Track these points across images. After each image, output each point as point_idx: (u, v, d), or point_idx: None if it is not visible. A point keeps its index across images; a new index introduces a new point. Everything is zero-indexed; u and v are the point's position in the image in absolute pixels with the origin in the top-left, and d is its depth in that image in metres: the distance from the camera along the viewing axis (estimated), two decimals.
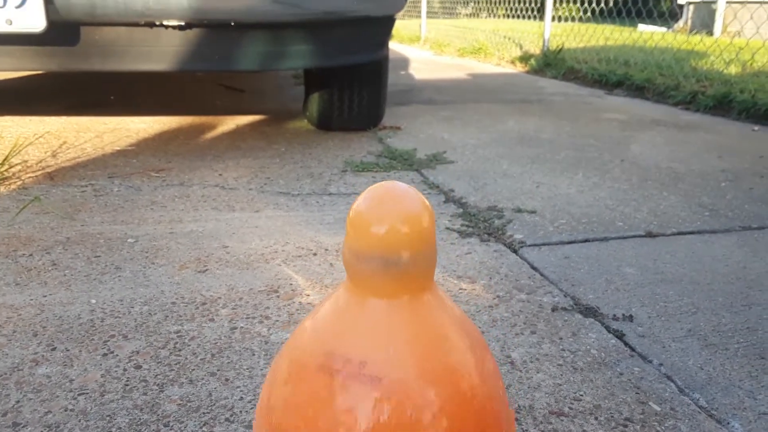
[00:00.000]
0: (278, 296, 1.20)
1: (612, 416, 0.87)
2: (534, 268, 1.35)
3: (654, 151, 2.41)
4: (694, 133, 2.76)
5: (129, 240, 1.45)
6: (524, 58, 5.38)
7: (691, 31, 6.98)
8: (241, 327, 1.08)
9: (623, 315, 1.15)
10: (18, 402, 0.87)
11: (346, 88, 2.55)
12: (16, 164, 1.99)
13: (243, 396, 0.90)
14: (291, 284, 1.25)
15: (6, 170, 1.90)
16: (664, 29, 7.03)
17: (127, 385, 0.92)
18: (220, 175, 1.99)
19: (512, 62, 5.58)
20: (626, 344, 1.06)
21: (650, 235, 1.54)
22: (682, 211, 1.71)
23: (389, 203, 0.37)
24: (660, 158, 2.29)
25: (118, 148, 2.28)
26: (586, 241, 1.51)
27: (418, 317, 0.36)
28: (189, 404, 0.88)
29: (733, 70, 3.81)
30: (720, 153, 2.38)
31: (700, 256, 1.42)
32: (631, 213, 1.70)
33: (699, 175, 2.06)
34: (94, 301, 1.17)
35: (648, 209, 1.73)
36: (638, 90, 3.84)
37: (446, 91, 3.94)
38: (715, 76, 3.64)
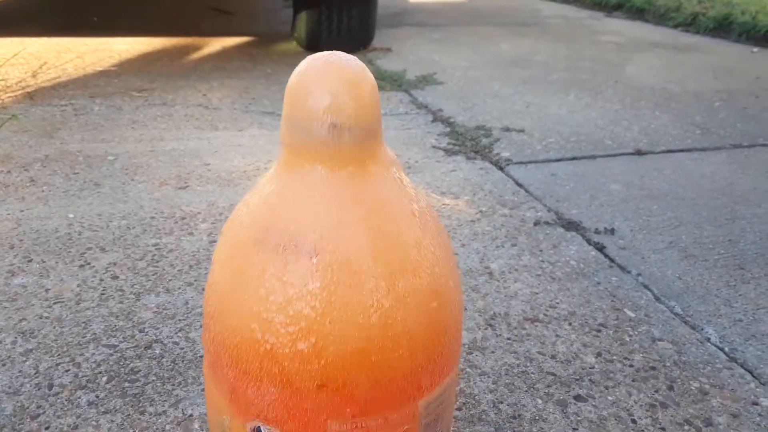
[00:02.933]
0: None
1: (586, 322, 0.87)
2: (519, 185, 1.34)
3: (649, 72, 2.36)
4: (692, 55, 2.69)
5: (109, 157, 1.43)
6: None
7: None
8: None
9: (605, 228, 1.14)
10: None
11: (335, 8, 2.47)
12: None
13: None
14: None
15: None
16: None
17: (103, 294, 0.92)
18: (204, 95, 1.94)
19: None
20: (606, 256, 1.05)
21: (639, 153, 1.52)
22: (673, 130, 1.69)
23: (328, 69, 0.35)
24: (655, 79, 2.24)
25: (100, 69, 2.22)
26: (573, 159, 1.49)
27: (360, 188, 0.35)
28: (165, 312, 0.88)
29: None
30: (716, 74, 2.33)
31: (687, 173, 1.41)
32: (621, 132, 1.67)
33: (693, 95, 2.02)
34: (72, 215, 1.15)
35: (639, 128, 1.70)
36: (638, 12, 3.73)
37: (440, 14, 3.83)
38: None
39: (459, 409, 0.71)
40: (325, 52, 0.36)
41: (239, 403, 0.34)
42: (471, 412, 0.70)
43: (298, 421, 0.33)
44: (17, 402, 0.71)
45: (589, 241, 1.10)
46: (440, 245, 0.37)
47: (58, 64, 2.25)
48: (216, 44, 2.71)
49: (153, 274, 0.97)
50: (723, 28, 3.10)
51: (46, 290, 0.92)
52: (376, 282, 0.33)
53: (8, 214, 1.15)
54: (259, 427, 0.34)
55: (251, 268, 0.34)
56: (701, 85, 2.16)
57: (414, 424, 0.35)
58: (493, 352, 0.81)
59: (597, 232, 1.13)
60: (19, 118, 1.64)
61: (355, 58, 0.38)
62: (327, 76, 0.35)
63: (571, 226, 1.15)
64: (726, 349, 0.82)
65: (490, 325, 0.86)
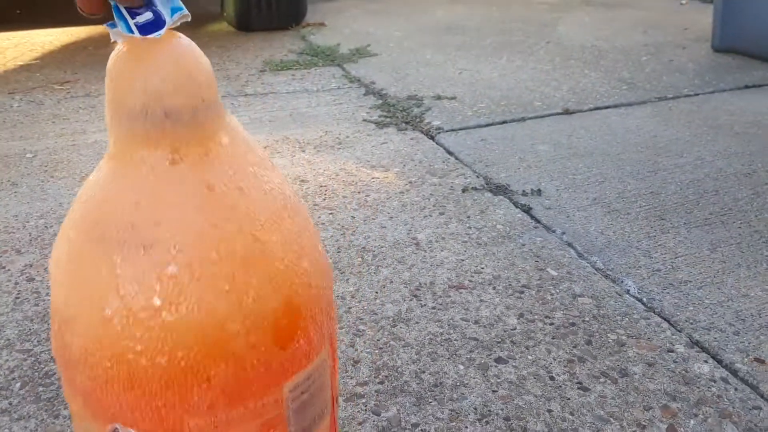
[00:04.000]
0: None
1: (510, 284, 0.88)
2: (449, 153, 1.34)
3: (580, 31, 2.38)
4: (622, 11, 2.72)
5: (27, 155, 1.38)
6: None
7: None
8: None
9: (532, 190, 1.15)
10: None
11: None
12: None
13: None
14: None
15: None
16: None
17: (18, 297, 0.89)
18: None
19: None
20: (532, 217, 1.06)
21: (567, 112, 1.53)
22: (601, 87, 1.70)
23: (152, 48, 0.33)
24: (585, 38, 2.26)
25: (21, 63, 2.13)
26: (503, 122, 1.49)
27: (201, 173, 0.33)
28: None
29: None
30: (645, 28, 2.35)
31: (613, 129, 1.42)
32: (550, 93, 1.68)
33: (621, 51, 2.05)
34: None
35: (568, 87, 1.72)
36: None
37: None
38: None
39: (381, 382, 0.71)
40: (146, 37, 0.34)
41: (94, 407, 0.33)
42: (393, 384, 0.70)
43: (152, 421, 0.32)
44: None
45: (516, 204, 1.10)
46: (295, 223, 0.36)
47: None
48: None
49: None
50: None
51: None
52: (222, 270, 0.32)
53: None
54: (117, 428, 0.33)
55: (89, 266, 0.33)
56: (630, 40, 2.19)
57: (280, 410, 0.34)
58: (417, 322, 0.81)
59: (524, 194, 1.14)
60: None
61: (183, 35, 0.36)
62: (151, 57, 0.33)
63: (498, 190, 1.16)
64: (644, 299, 0.84)
65: (415, 296, 0.86)
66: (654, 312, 0.81)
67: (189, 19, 0.33)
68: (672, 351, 0.74)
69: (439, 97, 1.67)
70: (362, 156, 1.34)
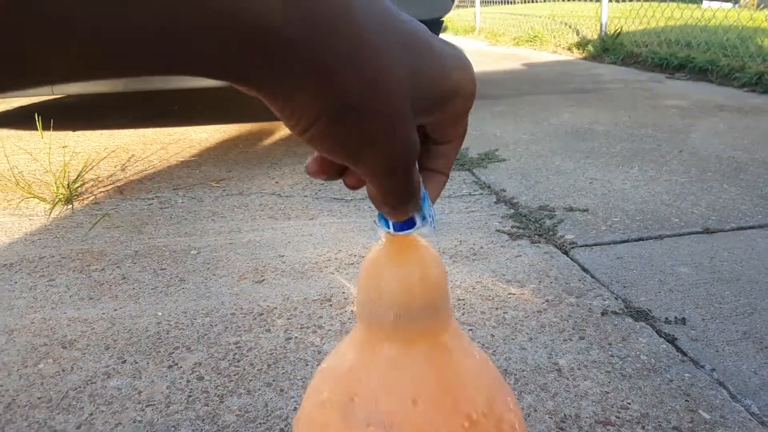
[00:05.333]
0: (331, 305, 1.24)
1: (660, 425, 0.87)
2: (585, 270, 1.35)
3: (715, 139, 2.34)
4: (760, 118, 2.65)
5: (192, 252, 1.53)
6: (581, 44, 5.27)
7: (758, 5, 6.65)
8: (296, 337, 1.13)
9: (675, 318, 1.14)
10: (91, 414, 0.94)
11: None
12: (89, 179, 2.11)
13: (297, 406, 0.94)
14: (343, 292, 1.29)
15: (80, 186, 2.02)
16: (729, 4, 6.72)
17: (190, 396, 0.98)
18: (277, 182, 2.05)
19: (569, 49, 5.47)
20: (678, 349, 1.05)
21: (708, 231, 1.51)
22: (742, 205, 1.66)
23: (400, 255, 0.39)
24: (721, 147, 2.22)
25: (182, 159, 2.38)
26: (639, 239, 1.49)
27: (429, 366, 0.39)
28: (247, 415, 0.93)
29: None
30: None
31: (760, 253, 1.38)
32: (688, 208, 1.66)
33: (762, 165, 1.99)
34: (160, 313, 1.24)
35: (706, 203, 1.69)
36: (701, 73, 3.70)
37: (500, 84, 3.91)
38: None
39: None
40: (398, 233, 0.41)
41: None
42: None
43: None
44: None
45: (659, 332, 1.09)
46: (510, 413, 0.40)
47: (144, 156, 2.43)
48: (286, 128, 2.85)
49: (235, 374, 1.03)
50: None
51: (139, 392, 0.99)
52: None
53: (103, 313, 1.24)
54: None
55: None
56: None
57: None
58: None
59: (667, 321, 1.13)
60: (111, 214, 1.78)
61: (422, 240, 0.43)
62: (396, 262, 0.40)
63: (640, 315, 1.15)
64: None
65: (561, 429, 0.87)
66: None
67: (429, 233, 0.40)
68: None
69: (571, 209, 1.70)
70: (497, 269, 1.38)
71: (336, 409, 0.39)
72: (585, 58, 5.05)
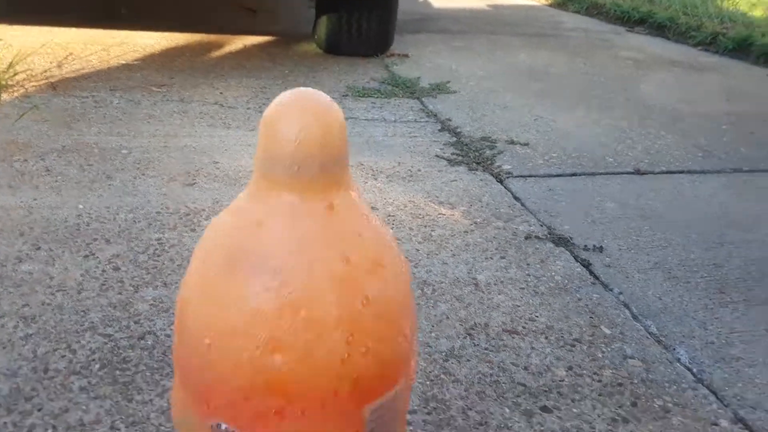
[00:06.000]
0: None
1: (562, 336, 0.90)
2: (516, 198, 1.37)
3: (663, 91, 2.37)
4: (708, 75, 2.70)
5: (123, 151, 1.48)
6: None
7: None
8: None
9: (594, 246, 1.17)
10: None
11: (356, 12, 2.52)
12: (21, 72, 2.01)
13: None
14: None
15: (10, 78, 1.92)
16: None
17: (104, 284, 0.97)
18: (221, 93, 2.00)
19: None
20: (591, 273, 1.08)
21: (638, 172, 1.54)
22: (676, 151, 1.70)
23: (300, 108, 0.38)
24: (667, 99, 2.26)
25: (123, 62, 2.28)
26: (573, 175, 1.52)
27: (326, 219, 0.38)
28: (161, 305, 0.93)
29: (758, 12, 3.68)
30: (729, 96, 2.33)
31: (684, 195, 1.43)
32: (624, 150, 1.70)
33: (702, 117, 2.03)
34: (81, 206, 1.21)
35: (642, 147, 1.72)
36: (660, 28, 3.73)
37: (462, 22, 3.85)
38: (738, 17, 3.52)
39: (429, 413, 0.75)
40: (299, 89, 0.40)
41: (201, 404, 0.38)
42: (440, 417, 0.74)
43: (253, 422, 0.36)
44: (14, 384, 0.76)
45: (576, 258, 1.12)
46: (397, 266, 0.40)
47: (84, 55, 2.32)
48: (238, 42, 2.76)
49: (153, 268, 1.02)
50: (742, 49, 3.09)
51: (51, 278, 0.97)
52: (335, 302, 0.37)
53: (21, 202, 1.20)
54: (220, 424, 0.38)
55: (223, 288, 0.38)
56: (712, 106, 2.17)
57: (361, 428, 0.39)
58: (468, 360, 0.84)
59: (586, 248, 1.16)
60: (41, 108, 1.71)
61: (324, 94, 0.41)
62: (299, 113, 0.39)
63: (561, 241, 1.18)
64: (694, 369, 0.85)
65: (470, 335, 0.89)
66: (702, 384, 0.82)
67: None
68: (716, 425, 0.75)
69: (512, 142, 1.71)
70: (431, 191, 1.38)
71: (224, 262, 0.39)
72: (551, 5, 5.02)
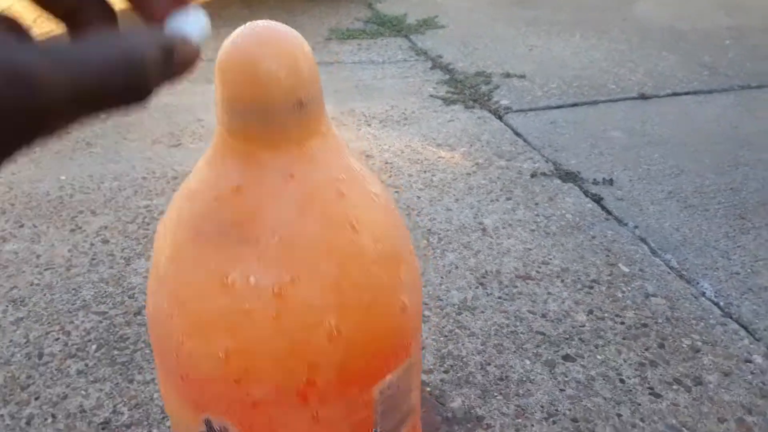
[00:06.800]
0: None
1: (579, 278, 0.86)
2: (517, 134, 1.31)
3: (659, 9, 2.27)
4: None
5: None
6: None
7: None
8: None
9: (603, 179, 1.11)
10: None
11: None
12: None
13: None
14: None
15: None
16: None
17: (93, 259, 0.92)
18: None
19: None
20: (603, 208, 1.03)
21: (643, 97, 1.48)
22: (679, 72, 1.63)
23: (263, 43, 0.32)
24: (665, 17, 2.16)
25: None
26: (574, 105, 1.45)
27: (305, 170, 0.33)
28: None
29: None
30: (729, 10, 2.23)
31: (692, 117, 1.37)
32: (625, 75, 1.62)
33: (703, 34, 1.95)
34: (63, 177, 1.15)
35: (644, 70, 1.65)
36: None
37: None
38: None
39: (446, 371, 0.71)
40: (258, 22, 0.34)
41: (188, 398, 0.34)
42: (458, 375, 0.70)
43: (248, 415, 0.32)
44: (8, 372, 0.72)
45: (586, 193, 1.07)
46: (390, 223, 0.35)
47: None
48: None
49: (143, 237, 0.96)
50: None
51: (38, 256, 0.92)
52: (330, 274, 0.32)
53: (0, 177, 1.14)
54: (209, 419, 0.33)
55: (199, 262, 0.33)
56: (712, 22, 2.08)
57: (369, 411, 0.34)
58: (483, 311, 0.80)
59: (595, 182, 1.11)
60: None
61: (280, 24, 0.35)
62: (262, 50, 0.32)
63: (568, 177, 1.13)
64: (721, 303, 0.81)
65: (481, 284, 0.85)
66: (731, 318, 0.78)
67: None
68: (750, 361, 0.72)
69: (508, 75, 1.63)
70: (428, 133, 1.32)
71: (195, 235, 0.33)
72: None
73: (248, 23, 0.33)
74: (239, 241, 0.32)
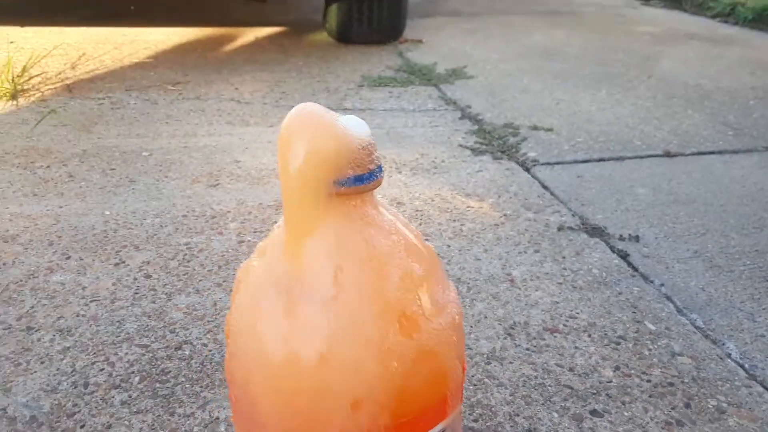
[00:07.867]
0: None
1: (605, 334, 0.88)
2: (545, 187, 1.34)
3: (684, 67, 2.32)
4: (729, 48, 2.63)
5: (144, 153, 1.47)
6: None
7: None
8: (249, 240, 1.11)
9: (630, 235, 1.14)
10: (32, 307, 0.91)
11: None
12: (35, 75, 2.00)
13: None
14: None
15: (25, 81, 1.91)
16: None
17: (136, 293, 0.96)
18: (236, 89, 1.97)
19: None
20: (629, 264, 1.05)
21: (668, 154, 1.51)
22: (704, 130, 1.66)
23: (311, 128, 0.36)
24: (689, 74, 2.21)
25: (136, 61, 2.27)
26: (601, 160, 1.48)
27: (367, 239, 0.37)
28: (194, 312, 0.91)
29: None
30: (753, 69, 2.28)
31: (717, 177, 1.39)
32: (651, 132, 1.66)
33: (727, 93, 1.99)
34: (108, 212, 1.20)
35: (669, 128, 1.68)
36: (675, 0, 3.65)
37: (473, 2, 3.80)
38: None
39: (476, 420, 0.73)
40: (306, 107, 0.38)
41: None
42: (487, 424, 0.72)
43: None
44: (54, 400, 0.75)
45: (612, 249, 1.10)
46: (440, 282, 0.38)
47: (96, 55, 2.30)
48: (248, 34, 2.73)
49: (184, 274, 1.00)
50: (762, 19, 3.02)
51: (83, 288, 0.96)
52: (388, 329, 0.35)
53: (48, 210, 1.19)
54: None
55: (269, 312, 0.36)
56: (737, 81, 2.12)
57: None
58: (511, 362, 0.82)
59: (621, 238, 1.13)
60: (58, 112, 1.69)
61: (332, 112, 0.39)
62: (309, 134, 0.36)
63: (595, 231, 1.15)
64: (746, 365, 0.82)
65: (510, 335, 0.87)
66: (756, 380, 0.80)
67: None
68: None
69: (535, 128, 1.68)
70: (457, 183, 1.36)
71: (270, 286, 0.37)
72: None
73: (300, 106, 0.37)
74: (314, 300, 0.36)
